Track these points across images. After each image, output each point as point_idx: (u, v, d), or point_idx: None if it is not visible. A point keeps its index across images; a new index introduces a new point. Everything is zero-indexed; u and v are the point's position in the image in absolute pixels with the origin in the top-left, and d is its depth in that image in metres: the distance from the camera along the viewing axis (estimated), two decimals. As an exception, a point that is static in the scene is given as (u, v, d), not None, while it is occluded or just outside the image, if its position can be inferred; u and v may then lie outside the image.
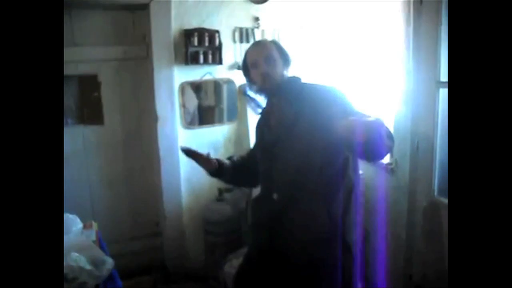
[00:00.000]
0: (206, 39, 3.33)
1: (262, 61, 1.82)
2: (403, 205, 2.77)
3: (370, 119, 1.33)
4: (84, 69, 3.34)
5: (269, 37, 3.47)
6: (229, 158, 2.13)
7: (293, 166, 1.79)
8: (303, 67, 3.53)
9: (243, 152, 2.25)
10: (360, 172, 3.13)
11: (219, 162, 2.04)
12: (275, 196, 1.84)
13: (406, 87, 2.69)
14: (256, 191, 2.09)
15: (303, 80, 1.91)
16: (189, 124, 3.46)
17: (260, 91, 1.89)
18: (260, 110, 2.13)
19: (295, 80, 1.89)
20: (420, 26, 2.55)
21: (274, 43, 1.92)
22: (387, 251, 2.90)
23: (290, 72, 1.89)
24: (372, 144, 1.34)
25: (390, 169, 2.90)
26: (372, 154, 1.45)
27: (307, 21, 3.62)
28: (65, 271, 1.74)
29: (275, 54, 1.84)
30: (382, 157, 1.57)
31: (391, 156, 2.92)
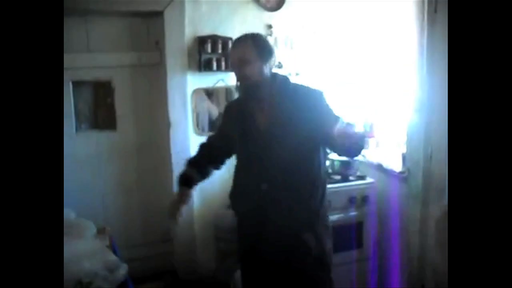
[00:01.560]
0: (219, 46, 3.35)
1: (237, 63, 1.88)
2: (416, 213, 2.75)
3: (350, 128, 1.60)
4: (98, 74, 3.38)
5: (281, 45, 3.49)
6: (190, 163, 2.18)
7: (284, 158, 1.87)
8: (316, 73, 3.56)
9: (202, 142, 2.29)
10: (372, 180, 3.14)
11: (189, 181, 2.13)
12: (264, 186, 1.90)
13: (419, 95, 2.68)
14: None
15: (292, 80, 2.01)
16: (201, 130, 3.47)
17: (241, 90, 1.94)
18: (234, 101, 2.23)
19: (284, 79, 1.97)
20: (434, 34, 2.55)
21: (252, 39, 1.90)
22: (400, 259, 2.88)
23: (272, 66, 1.93)
24: (351, 146, 1.63)
25: (403, 178, 2.88)
26: (350, 154, 1.87)
27: (320, 28, 3.62)
28: (79, 275, 1.75)
29: (251, 53, 1.86)
30: (358, 155, 1.89)
31: (404, 164, 2.91)
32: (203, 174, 2.17)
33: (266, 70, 1.89)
